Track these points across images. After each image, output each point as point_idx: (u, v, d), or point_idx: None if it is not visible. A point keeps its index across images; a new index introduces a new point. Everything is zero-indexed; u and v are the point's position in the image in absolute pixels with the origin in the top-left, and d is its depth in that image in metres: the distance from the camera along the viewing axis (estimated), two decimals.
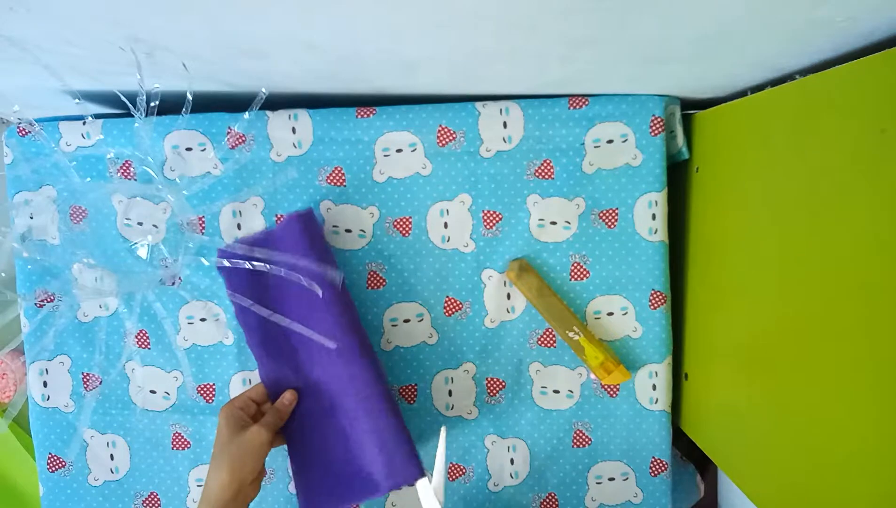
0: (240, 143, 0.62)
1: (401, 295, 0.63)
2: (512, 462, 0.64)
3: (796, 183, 0.44)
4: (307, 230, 0.58)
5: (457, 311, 0.63)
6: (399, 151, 0.62)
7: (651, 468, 0.63)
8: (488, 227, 0.62)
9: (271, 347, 0.59)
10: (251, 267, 0.57)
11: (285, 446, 0.58)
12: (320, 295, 0.55)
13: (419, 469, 0.54)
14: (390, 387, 0.58)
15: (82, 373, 0.65)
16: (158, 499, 0.66)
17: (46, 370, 0.65)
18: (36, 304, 0.64)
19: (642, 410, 0.63)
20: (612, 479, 0.64)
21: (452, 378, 0.64)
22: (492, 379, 0.64)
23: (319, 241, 0.59)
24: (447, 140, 0.61)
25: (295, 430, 0.58)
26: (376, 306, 0.63)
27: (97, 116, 0.62)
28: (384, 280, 0.63)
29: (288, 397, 0.57)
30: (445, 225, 0.62)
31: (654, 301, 0.62)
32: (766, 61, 0.47)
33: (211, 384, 0.65)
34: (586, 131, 0.61)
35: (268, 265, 0.57)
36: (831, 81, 0.41)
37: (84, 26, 0.40)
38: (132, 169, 0.63)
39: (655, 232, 0.61)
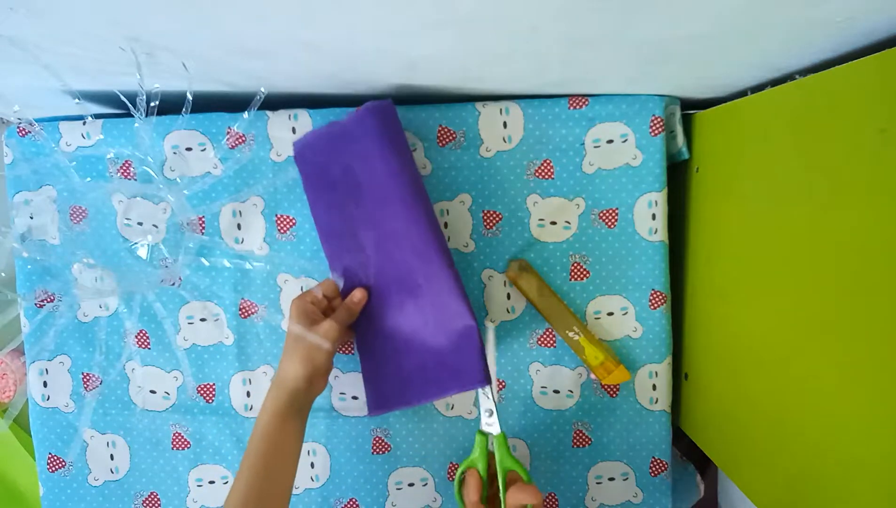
0: (240, 143, 0.62)
1: None
2: None
3: (796, 183, 0.44)
4: (385, 125, 0.55)
5: None
6: None
7: (651, 468, 0.63)
8: (488, 227, 0.62)
9: (342, 244, 0.58)
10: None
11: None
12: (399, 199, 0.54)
13: (486, 376, 0.53)
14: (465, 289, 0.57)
15: (82, 373, 0.65)
16: (158, 499, 0.66)
17: (46, 370, 0.65)
18: (36, 304, 0.64)
19: (642, 410, 0.63)
20: (612, 479, 0.64)
21: None
22: None
23: (396, 135, 0.56)
24: (447, 140, 0.61)
25: (365, 327, 0.58)
26: None
27: (97, 116, 0.62)
28: None
29: (358, 294, 0.56)
30: (445, 225, 0.62)
31: (654, 301, 0.62)
32: (766, 61, 0.47)
33: (211, 384, 0.65)
34: (586, 131, 0.61)
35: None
36: (831, 81, 0.41)
37: (84, 26, 0.40)
38: (132, 169, 0.63)
39: (655, 232, 0.61)
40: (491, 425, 0.54)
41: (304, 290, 0.63)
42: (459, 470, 0.54)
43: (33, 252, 0.63)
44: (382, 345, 0.57)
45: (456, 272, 0.55)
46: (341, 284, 0.58)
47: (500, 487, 0.52)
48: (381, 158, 0.55)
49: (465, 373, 0.53)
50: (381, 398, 0.58)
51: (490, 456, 0.54)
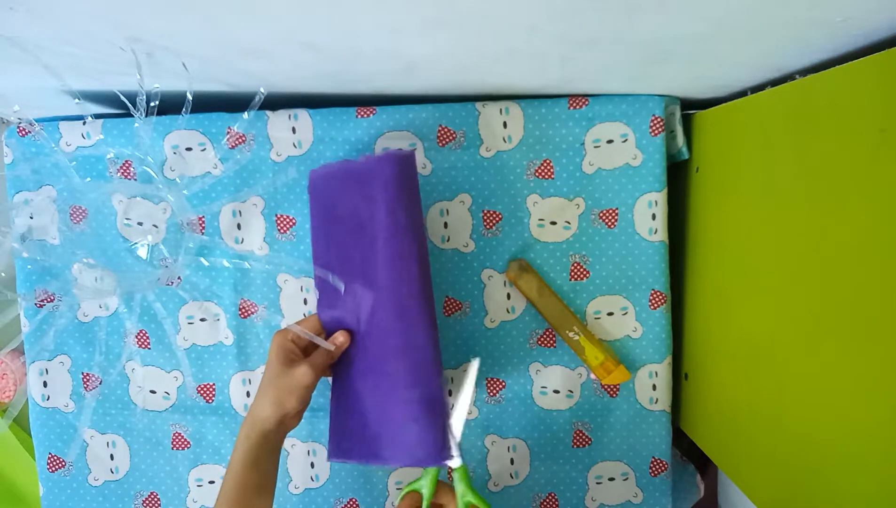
0: (240, 143, 0.62)
1: None
2: (512, 462, 0.64)
3: (796, 183, 0.44)
4: (400, 178, 0.53)
5: (457, 311, 0.63)
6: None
7: (651, 468, 0.63)
8: (488, 227, 0.62)
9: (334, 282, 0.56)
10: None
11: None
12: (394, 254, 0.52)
13: (447, 454, 0.51)
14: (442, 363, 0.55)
15: (82, 373, 0.65)
16: (158, 499, 0.66)
17: (46, 370, 0.65)
18: (36, 304, 0.64)
19: (642, 410, 0.63)
20: (612, 479, 0.64)
21: (452, 378, 0.64)
22: (492, 379, 0.64)
23: (408, 192, 0.54)
24: (447, 140, 0.61)
25: (341, 372, 0.56)
26: None
27: (97, 116, 0.62)
28: None
29: (340, 338, 0.54)
30: (445, 225, 0.62)
31: (654, 301, 0.62)
32: (766, 61, 0.47)
33: (211, 384, 0.65)
34: (586, 131, 0.61)
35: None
36: (831, 81, 0.41)
37: (84, 26, 0.40)
38: (132, 169, 0.63)
39: (655, 232, 0.61)
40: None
41: (303, 290, 0.63)
42: (401, 494, 0.52)
43: (33, 252, 0.63)
44: (354, 396, 0.55)
45: (435, 342, 0.53)
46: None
47: None
48: (386, 210, 0.52)
49: (423, 448, 0.50)
50: (343, 448, 0.55)
51: (439, 486, 0.52)
